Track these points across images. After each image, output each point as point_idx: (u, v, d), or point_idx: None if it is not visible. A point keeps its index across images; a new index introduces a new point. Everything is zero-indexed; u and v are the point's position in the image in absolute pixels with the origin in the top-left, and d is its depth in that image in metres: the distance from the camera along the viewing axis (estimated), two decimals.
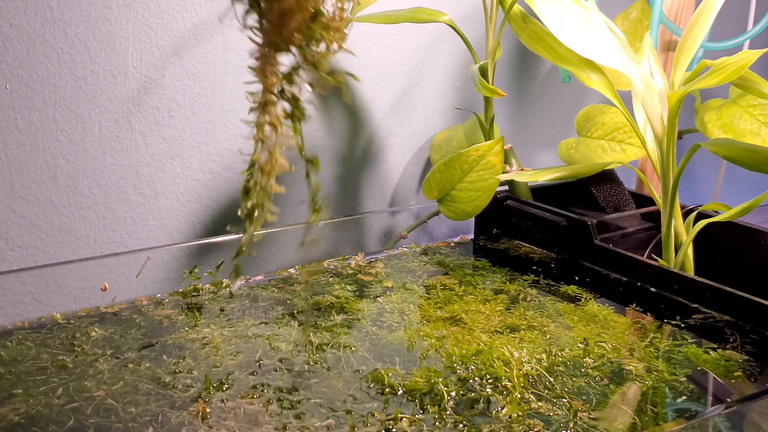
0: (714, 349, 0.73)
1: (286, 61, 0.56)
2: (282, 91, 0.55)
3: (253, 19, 0.55)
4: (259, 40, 0.55)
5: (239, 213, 0.58)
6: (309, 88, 0.55)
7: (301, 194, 1.02)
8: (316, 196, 0.58)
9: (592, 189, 1.02)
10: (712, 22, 0.83)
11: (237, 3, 0.54)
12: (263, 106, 0.55)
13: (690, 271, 0.86)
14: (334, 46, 0.54)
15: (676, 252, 0.86)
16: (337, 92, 1.04)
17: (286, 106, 0.57)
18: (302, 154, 0.57)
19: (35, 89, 0.83)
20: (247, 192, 0.58)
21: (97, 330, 0.76)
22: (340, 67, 0.55)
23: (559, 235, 0.94)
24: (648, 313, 0.81)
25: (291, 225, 0.97)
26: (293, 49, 0.54)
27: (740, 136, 0.96)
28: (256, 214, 0.57)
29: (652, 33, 1.03)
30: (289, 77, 0.55)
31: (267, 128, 0.56)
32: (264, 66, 0.55)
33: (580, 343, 0.73)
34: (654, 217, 0.96)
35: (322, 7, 0.53)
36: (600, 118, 1.03)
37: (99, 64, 0.86)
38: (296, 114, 0.56)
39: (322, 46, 0.54)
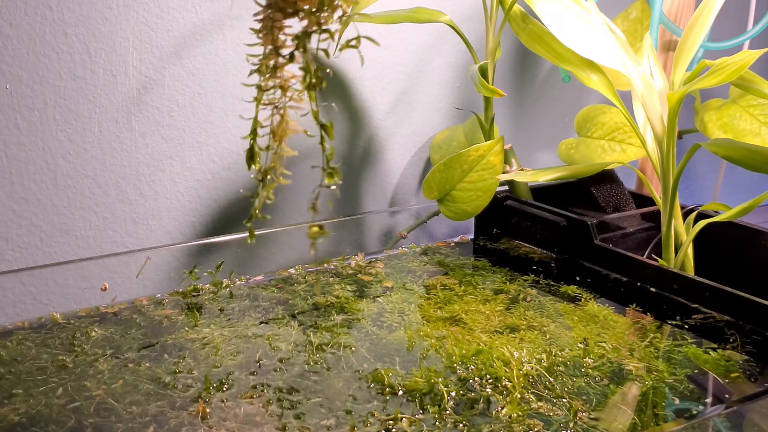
0: (714, 349, 0.73)
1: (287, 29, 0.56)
2: (291, 56, 0.55)
3: None
4: (263, 2, 0.55)
5: (252, 177, 0.58)
6: (324, 54, 0.55)
7: (302, 195, 1.02)
8: (330, 161, 0.57)
9: (592, 189, 1.02)
10: (712, 22, 0.83)
11: None
12: (273, 69, 0.55)
13: (690, 271, 0.86)
14: (341, 11, 0.53)
15: (676, 252, 0.86)
16: (337, 92, 1.04)
17: (295, 71, 0.56)
18: (317, 120, 0.56)
19: (35, 89, 0.83)
20: (252, 156, 0.58)
21: (97, 330, 0.76)
22: (355, 35, 0.54)
23: (559, 235, 0.94)
24: (648, 313, 0.81)
25: (291, 225, 0.97)
26: (301, 14, 0.53)
27: (740, 136, 0.96)
28: (268, 177, 0.57)
29: (652, 33, 1.03)
30: (302, 43, 0.54)
31: (277, 91, 0.55)
32: (270, 29, 0.54)
33: (580, 343, 0.73)
34: (654, 217, 0.96)
35: None
36: (600, 118, 1.03)
37: (99, 64, 0.86)
38: (311, 81, 0.55)
39: (336, 15, 0.53)
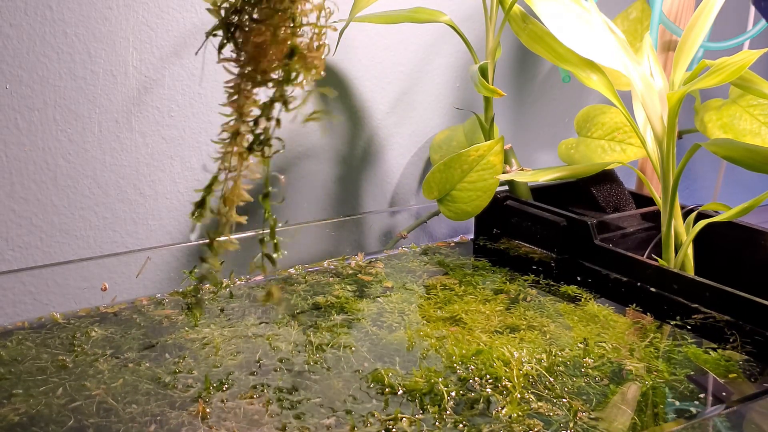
0: (714, 349, 0.73)
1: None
2: (256, 123, 0.55)
3: (229, 50, 0.55)
4: (234, 72, 0.55)
5: (190, 237, 0.58)
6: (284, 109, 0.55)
7: (303, 195, 1.02)
8: (273, 230, 0.58)
9: (592, 189, 1.02)
10: (712, 22, 0.83)
11: (213, 35, 0.54)
12: (233, 136, 0.55)
13: (690, 271, 0.86)
14: (313, 73, 0.53)
15: (676, 252, 0.86)
16: (337, 92, 1.04)
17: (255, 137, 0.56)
18: (266, 188, 0.57)
19: (35, 89, 0.83)
20: (202, 205, 0.58)
21: (97, 330, 0.76)
22: (318, 107, 0.54)
23: (559, 235, 0.94)
24: (648, 313, 0.81)
25: (290, 225, 0.97)
26: (270, 83, 0.54)
27: (740, 136, 0.96)
28: (215, 244, 0.58)
29: (652, 33, 1.03)
30: (265, 111, 0.55)
31: (234, 159, 0.56)
32: (239, 97, 0.55)
33: (580, 343, 0.73)
34: (654, 217, 0.96)
35: (297, 41, 0.53)
36: (600, 118, 1.03)
37: (99, 64, 0.86)
38: (266, 149, 0.56)
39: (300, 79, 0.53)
